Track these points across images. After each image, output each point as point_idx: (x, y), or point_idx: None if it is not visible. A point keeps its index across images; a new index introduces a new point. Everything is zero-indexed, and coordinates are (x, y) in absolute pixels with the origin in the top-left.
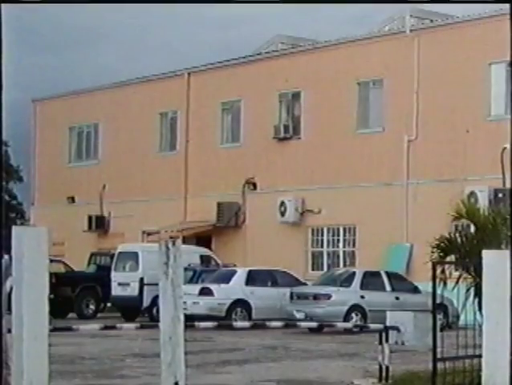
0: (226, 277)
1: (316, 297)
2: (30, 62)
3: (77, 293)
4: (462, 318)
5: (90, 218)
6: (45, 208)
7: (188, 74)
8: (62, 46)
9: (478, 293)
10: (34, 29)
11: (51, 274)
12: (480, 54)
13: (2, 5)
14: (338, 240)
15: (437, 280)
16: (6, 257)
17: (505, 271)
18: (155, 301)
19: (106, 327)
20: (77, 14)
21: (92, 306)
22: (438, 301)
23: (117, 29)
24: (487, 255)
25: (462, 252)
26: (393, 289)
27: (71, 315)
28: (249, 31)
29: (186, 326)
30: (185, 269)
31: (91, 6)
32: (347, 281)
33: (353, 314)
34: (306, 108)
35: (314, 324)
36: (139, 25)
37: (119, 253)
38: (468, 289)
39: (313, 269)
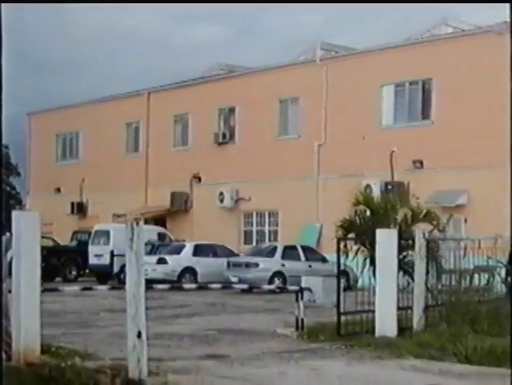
0: (178, 250)
1: (247, 265)
2: (26, 81)
3: (62, 263)
4: (360, 281)
5: (72, 204)
6: (37, 196)
7: (148, 93)
8: (50, 70)
9: (372, 263)
10: (27, 53)
11: (42, 248)
12: (373, 78)
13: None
14: (264, 221)
15: (341, 252)
16: (7, 234)
17: (393, 246)
18: (122, 268)
19: (84, 288)
20: (61, 46)
21: (74, 272)
22: (341, 268)
23: (96, 58)
24: (379, 233)
25: (360, 231)
26: (307, 259)
27: (57, 279)
28: (196, 60)
29: (146, 288)
30: (146, 244)
31: (72, 42)
32: (271, 253)
33: (276, 279)
34: (239, 120)
35: (245, 286)
36: (112, 53)
37: (95, 231)
38: (364, 260)
39: (245, 244)
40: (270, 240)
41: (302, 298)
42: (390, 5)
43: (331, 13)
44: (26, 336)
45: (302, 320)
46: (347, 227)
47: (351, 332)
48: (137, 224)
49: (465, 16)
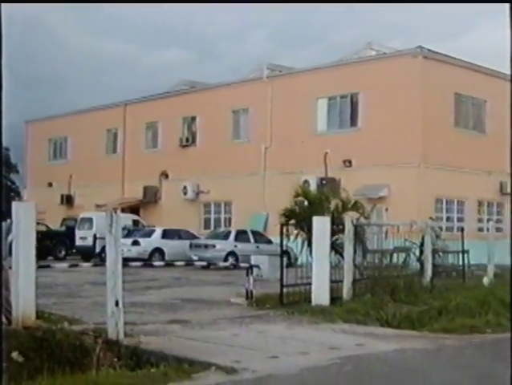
0: (149, 234)
1: (206, 246)
2: (23, 94)
3: (53, 244)
4: (299, 259)
5: (62, 196)
6: (33, 190)
7: (125, 104)
8: (43, 85)
9: (309, 244)
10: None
11: (37, 232)
12: (310, 92)
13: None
14: (220, 210)
15: (283, 235)
16: (8, 220)
17: (326, 230)
18: (103, 248)
19: (72, 265)
20: (52, 64)
21: (63, 252)
22: (284, 249)
23: (81, 76)
24: (315, 220)
25: (299, 218)
26: (255, 241)
27: (49, 258)
28: (164, 77)
29: (123, 265)
30: (122, 229)
31: (61, 62)
32: (226, 236)
33: (229, 257)
34: (199, 127)
35: (204, 263)
36: (95, 71)
37: (81, 218)
38: (303, 242)
39: (204, 229)
40: (225, 225)
41: (251, 273)
42: (324, 30)
43: (275, 37)
44: (24, 304)
45: (252, 291)
46: (288, 215)
47: (291, 301)
48: (115, 212)
49: (387, 41)
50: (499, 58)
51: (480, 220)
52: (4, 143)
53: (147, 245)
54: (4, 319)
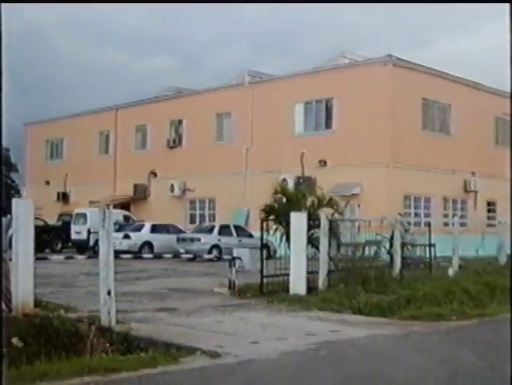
0: (139, 228)
1: (192, 239)
2: (23, 98)
3: (50, 238)
4: (278, 252)
5: (58, 193)
6: (31, 187)
7: (116, 109)
8: (41, 90)
9: (287, 238)
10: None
11: (35, 226)
12: (288, 97)
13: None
14: (205, 206)
15: (263, 230)
16: (8, 216)
17: (303, 225)
18: (97, 242)
19: (67, 257)
20: (50, 71)
21: (59, 245)
22: (264, 242)
23: (77, 82)
24: (293, 215)
25: (278, 213)
26: (237, 235)
27: (46, 250)
28: (153, 83)
29: (115, 257)
30: (114, 224)
31: (59, 69)
32: (210, 230)
33: (213, 250)
34: (185, 129)
35: (190, 256)
36: (89, 78)
37: (76, 213)
38: (281, 236)
39: (190, 224)
40: (209, 220)
41: (234, 265)
42: (301, 40)
43: (256, 46)
44: (23, 293)
45: (234, 282)
46: (268, 211)
47: (271, 291)
48: (108, 208)
49: (359, 50)
50: (463, 65)
51: (445, 216)
52: (4, 144)
53: (137, 238)
54: (4, 307)
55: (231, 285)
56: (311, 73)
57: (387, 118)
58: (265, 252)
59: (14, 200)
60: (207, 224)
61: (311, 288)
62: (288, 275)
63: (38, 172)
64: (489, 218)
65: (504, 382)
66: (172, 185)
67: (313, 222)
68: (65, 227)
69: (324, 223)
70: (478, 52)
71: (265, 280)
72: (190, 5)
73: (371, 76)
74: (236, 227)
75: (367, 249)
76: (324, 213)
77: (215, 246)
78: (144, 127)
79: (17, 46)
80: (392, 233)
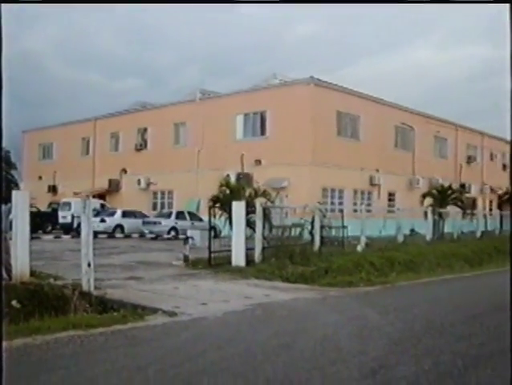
0: (112, 214)
1: (155, 222)
2: (21, 111)
3: (42, 221)
4: (223, 233)
5: (49, 186)
6: (28, 182)
7: (95, 119)
8: (35, 102)
9: (230, 222)
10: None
11: (30, 212)
12: (231, 110)
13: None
14: (165, 197)
15: (211, 215)
16: (9, 204)
17: (242, 211)
18: (79, 225)
19: (56, 237)
20: (43, 87)
21: (49, 227)
22: (211, 225)
23: (62, 98)
24: (234, 204)
25: (223, 202)
26: (191, 219)
27: (39, 232)
28: (123, 99)
29: (93, 237)
30: (93, 210)
31: (50, 84)
32: (168, 215)
33: (171, 231)
34: (150, 135)
35: (153, 235)
36: (74, 95)
37: (62, 202)
38: (225, 220)
39: (153, 210)
40: (168, 208)
41: (187, 243)
42: (242, 64)
43: (206, 69)
44: (21, 265)
45: (188, 256)
46: (215, 200)
47: (217, 263)
48: (88, 198)
49: (288, 72)
50: (376, 82)
51: (355, 204)
52: (5, 147)
53: (111, 222)
54: (6, 276)
55: (185, 259)
56: (249, 91)
57: (309, 126)
58: (212, 232)
59: (14, 192)
60: (166, 210)
61: (249, 261)
62: (231, 251)
63: (33, 170)
64: (389, 206)
65: (401, 334)
66: (139, 180)
67: (250, 209)
68: (54, 213)
69: (259, 209)
70: (390, 72)
71: (212, 255)
72: (155, 34)
73: (297, 94)
74: (189, 213)
75: (293, 230)
76: (259, 202)
77: (173, 228)
78: (117, 134)
79: (16, 68)
80: (313, 217)
